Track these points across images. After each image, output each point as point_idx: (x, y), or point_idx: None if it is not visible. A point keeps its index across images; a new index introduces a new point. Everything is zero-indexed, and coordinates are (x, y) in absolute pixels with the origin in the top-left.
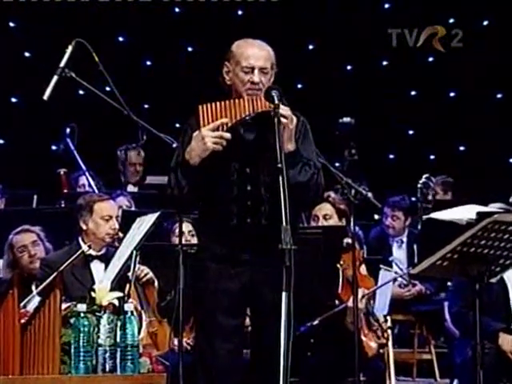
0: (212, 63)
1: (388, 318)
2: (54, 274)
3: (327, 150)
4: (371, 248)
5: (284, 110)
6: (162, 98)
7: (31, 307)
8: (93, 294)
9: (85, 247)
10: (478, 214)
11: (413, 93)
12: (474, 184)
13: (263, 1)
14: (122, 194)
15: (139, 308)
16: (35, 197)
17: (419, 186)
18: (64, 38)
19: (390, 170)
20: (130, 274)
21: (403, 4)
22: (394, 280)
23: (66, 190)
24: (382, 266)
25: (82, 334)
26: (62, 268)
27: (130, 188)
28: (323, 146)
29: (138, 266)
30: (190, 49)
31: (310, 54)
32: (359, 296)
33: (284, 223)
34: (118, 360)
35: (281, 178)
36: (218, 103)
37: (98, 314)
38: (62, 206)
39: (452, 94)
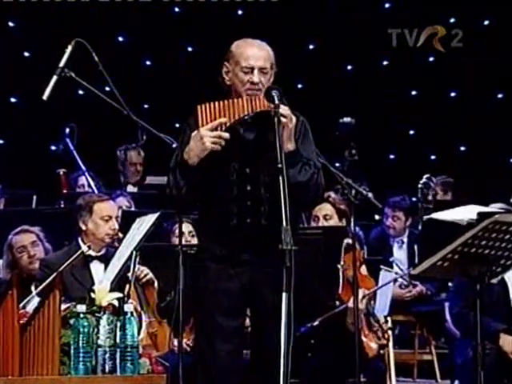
0: (212, 63)
1: (388, 318)
2: (54, 275)
3: (327, 149)
4: (372, 248)
5: (283, 109)
6: (162, 98)
7: (31, 308)
8: (92, 295)
9: (84, 248)
10: (479, 214)
11: (413, 93)
12: (475, 184)
13: (263, 1)
14: (122, 195)
15: (139, 309)
16: (35, 197)
17: (420, 186)
18: (64, 37)
19: (390, 170)
20: (129, 274)
21: (403, 4)
22: (395, 280)
23: (65, 191)
24: (382, 266)
25: (81, 335)
26: (61, 268)
27: (130, 188)
28: (323, 145)
29: (137, 266)
30: (189, 49)
31: (310, 54)
32: (359, 296)
33: (284, 223)
34: (117, 361)
35: (281, 178)
36: (216, 103)
37: (97, 314)
38: (62, 206)
39: (452, 94)
